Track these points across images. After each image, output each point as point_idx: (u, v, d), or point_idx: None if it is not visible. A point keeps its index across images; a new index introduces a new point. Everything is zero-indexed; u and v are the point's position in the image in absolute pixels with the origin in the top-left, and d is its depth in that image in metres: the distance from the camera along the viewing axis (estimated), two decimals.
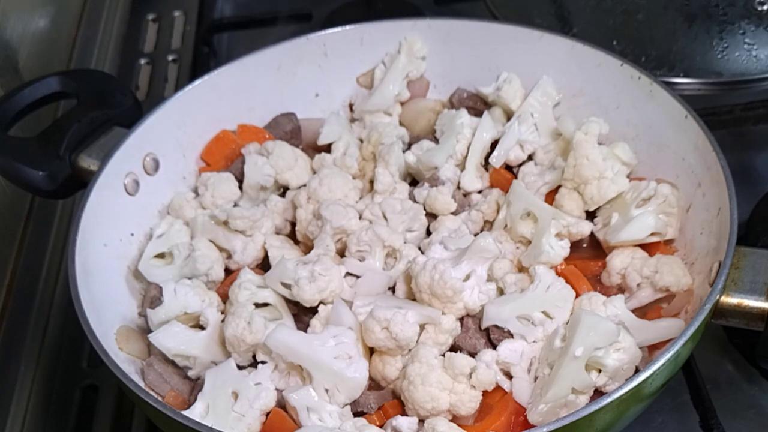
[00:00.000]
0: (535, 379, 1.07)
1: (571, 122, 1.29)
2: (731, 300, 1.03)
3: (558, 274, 1.15)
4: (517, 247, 1.21)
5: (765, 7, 1.66)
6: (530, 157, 1.33)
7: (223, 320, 1.15)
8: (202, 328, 1.16)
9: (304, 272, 1.13)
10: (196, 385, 1.13)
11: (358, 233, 1.18)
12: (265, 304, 1.17)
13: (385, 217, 1.23)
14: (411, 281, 1.12)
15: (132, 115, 1.33)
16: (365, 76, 1.47)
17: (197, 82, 1.37)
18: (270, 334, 1.07)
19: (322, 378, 1.05)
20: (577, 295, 1.13)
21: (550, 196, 1.27)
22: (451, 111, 1.38)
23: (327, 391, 1.05)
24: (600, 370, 1.04)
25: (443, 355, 1.06)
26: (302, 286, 1.13)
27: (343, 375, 1.05)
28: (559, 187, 1.26)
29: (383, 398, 1.09)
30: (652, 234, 1.18)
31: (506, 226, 1.22)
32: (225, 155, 1.39)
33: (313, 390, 1.05)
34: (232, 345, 1.11)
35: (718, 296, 1.02)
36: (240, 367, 1.11)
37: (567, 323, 1.09)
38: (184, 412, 1.01)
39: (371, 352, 1.11)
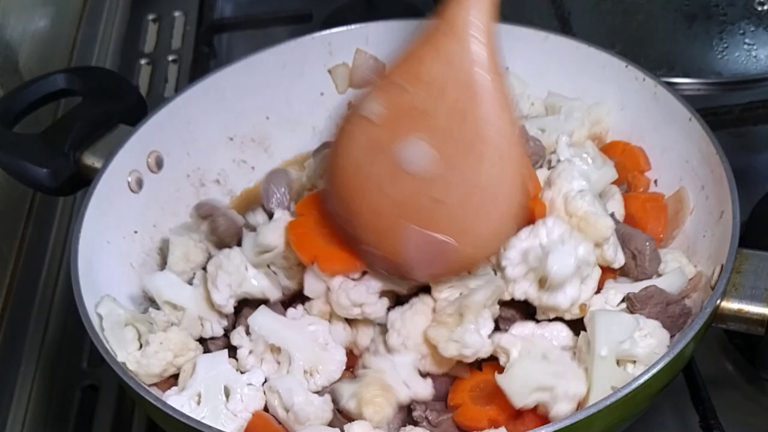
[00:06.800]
0: None
1: None
2: (731, 305, 1.03)
3: None
4: None
5: (765, 7, 1.67)
6: None
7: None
8: None
9: None
10: None
11: None
12: None
13: None
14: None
15: (137, 112, 1.32)
16: None
17: (202, 80, 1.36)
18: (253, 316, 1.10)
19: (302, 358, 1.08)
20: None
21: None
22: None
23: (306, 372, 1.08)
24: (634, 361, 1.02)
25: None
26: None
27: (323, 355, 1.09)
28: None
29: None
30: None
31: None
32: None
33: (293, 373, 1.08)
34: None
35: (718, 301, 1.02)
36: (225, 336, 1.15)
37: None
38: (170, 392, 1.06)
39: None
